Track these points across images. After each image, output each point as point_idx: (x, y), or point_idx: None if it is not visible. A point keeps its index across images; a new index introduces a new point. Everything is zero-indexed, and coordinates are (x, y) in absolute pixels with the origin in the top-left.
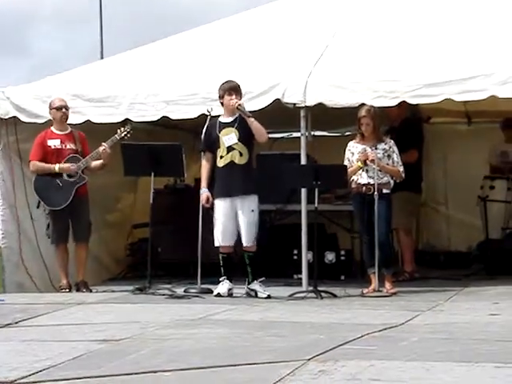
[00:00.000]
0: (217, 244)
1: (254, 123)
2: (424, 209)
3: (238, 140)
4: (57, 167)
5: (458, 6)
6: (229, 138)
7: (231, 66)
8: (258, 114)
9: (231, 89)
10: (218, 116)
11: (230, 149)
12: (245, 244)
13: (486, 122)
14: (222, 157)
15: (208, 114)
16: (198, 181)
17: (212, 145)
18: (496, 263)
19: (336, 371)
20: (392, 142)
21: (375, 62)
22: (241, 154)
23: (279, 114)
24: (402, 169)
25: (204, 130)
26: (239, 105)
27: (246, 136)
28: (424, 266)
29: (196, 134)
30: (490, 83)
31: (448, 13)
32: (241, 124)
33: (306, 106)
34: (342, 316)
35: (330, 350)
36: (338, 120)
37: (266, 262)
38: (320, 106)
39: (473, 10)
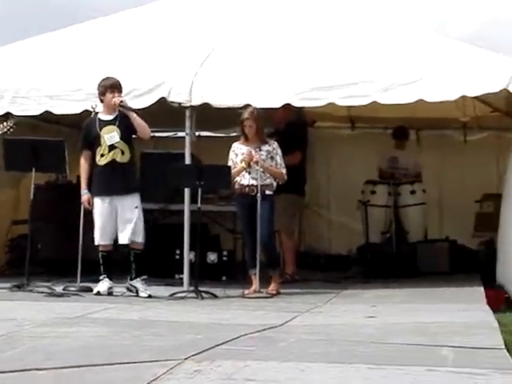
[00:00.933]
0: (96, 243)
1: (136, 119)
2: (307, 211)
3: (120, 138)
4: None
5: (344, 14)
6: (111, 136)
7: (117, 63)
8: (143, 113)
9: (112, 86)
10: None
11: (111, 147)
12: (131, 241)
13: (369, 128)
14: (103, 155)
15: (92, 110)
16: (80, 177)
17: (92, 143)
18: (375, 267)
19: (212, 371)
20: (275, 143)
21: (261, 64)
22: (122, 153)
23: (164, 113)
24: (284, 171)
25: (83, 128)
26: (121, 101)
27: (128, 134)
28: (305, 269)
29: (80, 130)
30: (372, 89)
31: (335, 21)
32: (122, 122)
33: (192, 106)
34: (221, 316)
35: (207, 349)
36: (224, 120)
37: (148, 261)
38: (206, 106)
39: (359, 20)
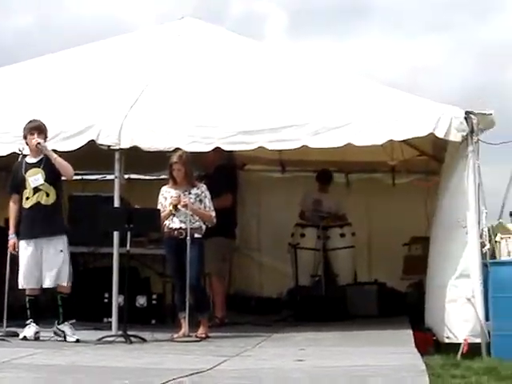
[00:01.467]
0: (20, 286)
1: (57, 159)
2: (237, 254)
3: (45, 180)
4: None
5: (273, 60)
6: (35, 178)
7: (46, 106)
8: (72, 155)
9: (33, 128)
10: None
11: (36, 190)
12: (57, 285)
13: (299, 171)
14: (28, 198)
15: (20, 152)
16: (8, 221)
17: (19, 186)
18: (304, 310)
19: None
20: (204, 186)
21: (191, 107)
22: (47, 195)
23: (94, 156)
24: (213, 213)
25: (12, 171)
26: (39, 143)
27: (53, 176)
28: (235, 311)
29: (8, 172)
30: (302, 133)
31: (264, 65)
32: (47, 164)
33: (121, 149)
34: (149, 360)
35: None
36: (154, 163)
37: (77, 304)
38: (136, 148)
39: (288, 64)
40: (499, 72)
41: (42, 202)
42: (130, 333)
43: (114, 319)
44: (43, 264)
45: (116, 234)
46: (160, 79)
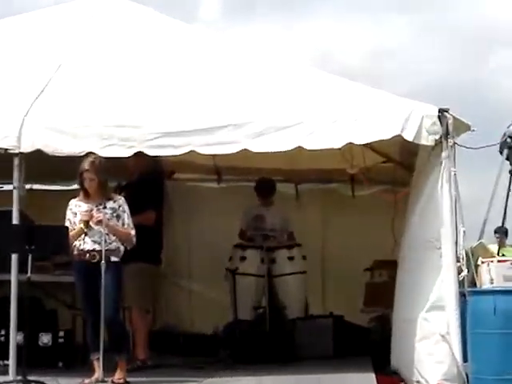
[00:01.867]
0: None
1: None
2: (164, 283)
3: None
4: None
5: (211, 46)
6: None
7: None
8: None
9: None
10: None
11: None
12: None
13: (239, 180)
14: None
15: None
16: None
17: None
18: (245, 349)
19: None
20: (122, 199)
21: (107, 104)
22: None
23: None
24: (133, 232)
25: None
26: None
27: None
28: (161, 351)
29: None
30: (241, 135)
31: (200, 53)
32: None
33: (21, 153)
34: None
35: None
36: (61, 171)
37: None
38: (39, 153)
39: (228, 53)
40: (472, 61)
41: None
42: (30, 378)
43: (11, 361)
44: None
45: (14, 257)
46: (71, 67)
